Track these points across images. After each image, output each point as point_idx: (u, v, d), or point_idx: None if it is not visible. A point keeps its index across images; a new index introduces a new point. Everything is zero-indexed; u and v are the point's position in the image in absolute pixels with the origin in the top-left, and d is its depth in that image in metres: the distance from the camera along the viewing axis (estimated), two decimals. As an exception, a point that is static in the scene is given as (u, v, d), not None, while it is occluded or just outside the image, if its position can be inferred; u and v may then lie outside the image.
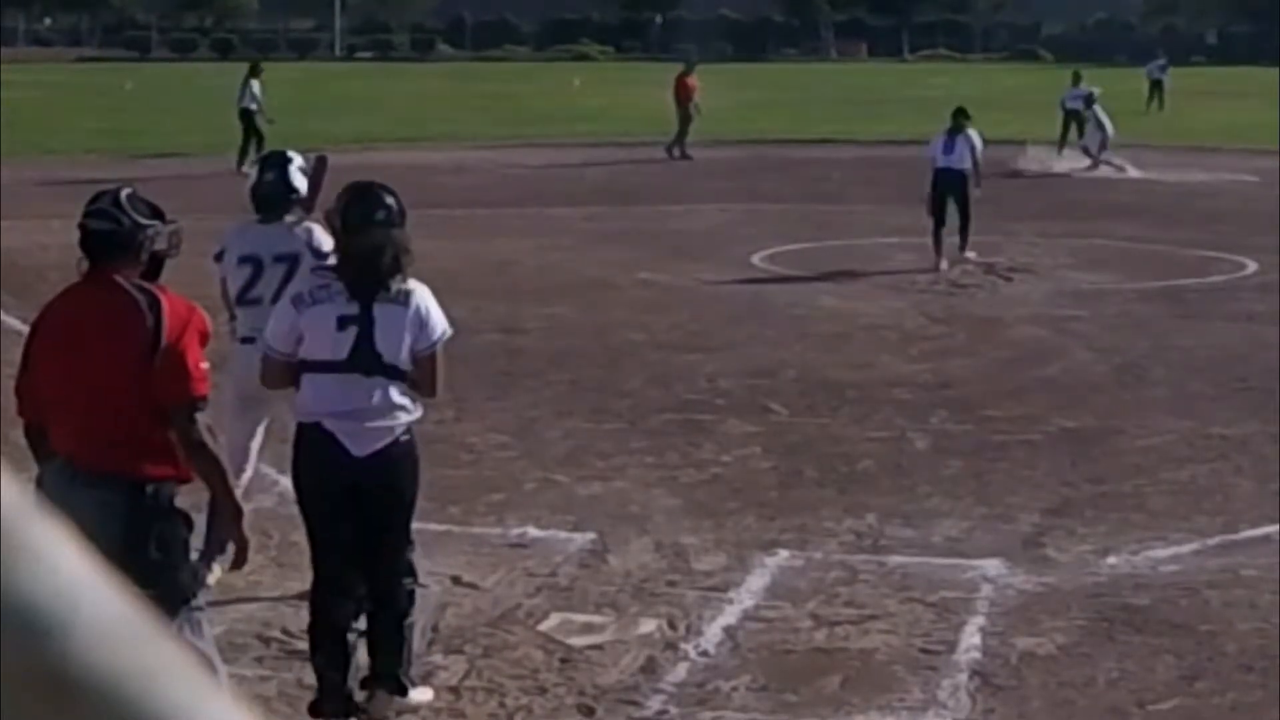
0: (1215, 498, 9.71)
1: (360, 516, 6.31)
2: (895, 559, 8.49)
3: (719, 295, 16.93)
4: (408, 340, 6.23)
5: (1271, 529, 8.98)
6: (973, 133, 19.26)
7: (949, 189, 18.93)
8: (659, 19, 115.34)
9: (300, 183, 8.15)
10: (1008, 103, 42.57)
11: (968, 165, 18.95)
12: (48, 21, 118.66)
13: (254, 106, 30.08)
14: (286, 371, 6.38)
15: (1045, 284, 17.84)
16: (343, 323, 6.21)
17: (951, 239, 18.86)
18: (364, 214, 6.31)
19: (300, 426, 6.39)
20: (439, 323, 6.32)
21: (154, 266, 5.91)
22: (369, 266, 6.24)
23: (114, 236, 5.82)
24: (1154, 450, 10.74)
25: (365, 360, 6.21)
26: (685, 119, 33.88)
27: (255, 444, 8.08)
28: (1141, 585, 8.13)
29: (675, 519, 9.18)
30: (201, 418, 5.72)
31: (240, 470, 7.59)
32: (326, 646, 6.34)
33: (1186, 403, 12.10)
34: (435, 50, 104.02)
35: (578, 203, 25.55)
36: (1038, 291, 17.34)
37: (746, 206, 24.93)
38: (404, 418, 6.30)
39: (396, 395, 6.25)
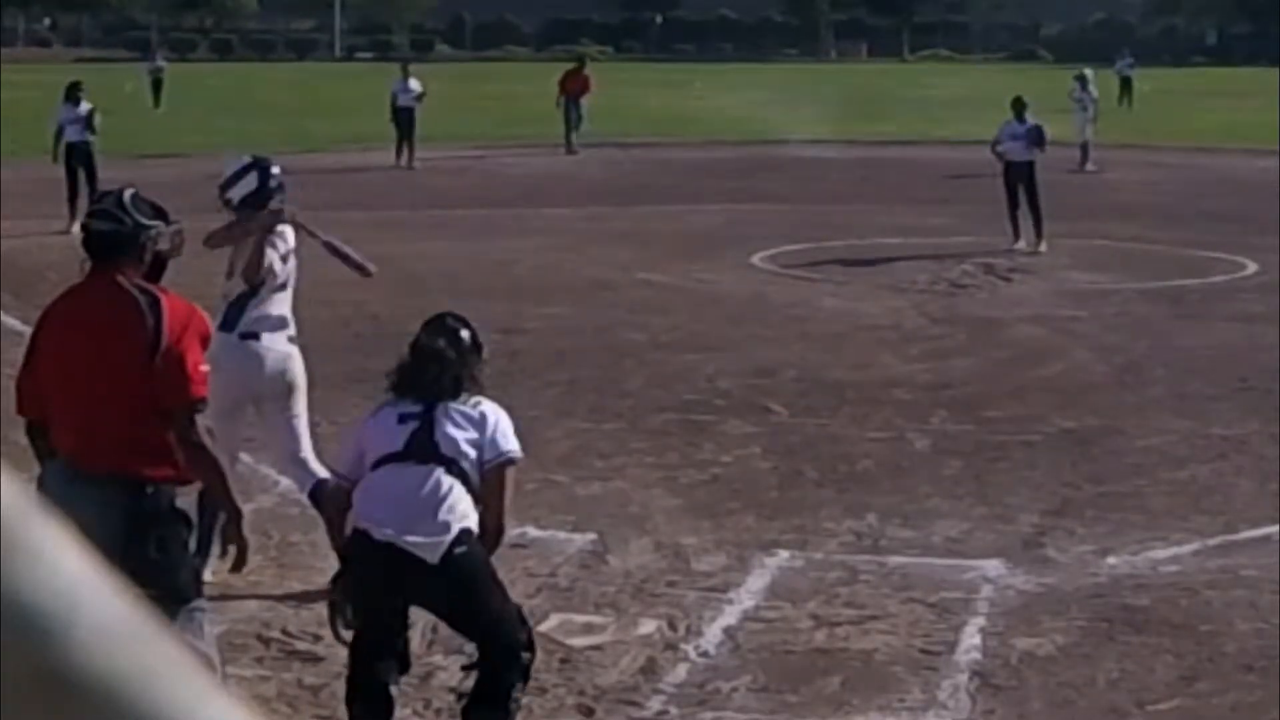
0: (1215, 498, 9.70)
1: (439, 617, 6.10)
2: (895, 559, 8.49)
3: (719, 295, 16.92)
4: (472, 437, 5.94)
5: (1271, 529, 8.97)
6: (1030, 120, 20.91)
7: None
8: (659, 19, 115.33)
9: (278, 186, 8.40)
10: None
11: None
12: (47, 21, 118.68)
13: (412, 104, 31.38)
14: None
15: (1045, 284, 17.84)
16: (403, 419, 5.99)
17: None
18: (435, 334, 6.19)
19: (354, 532, 5.97)
20: (510, 437, 6.03)
21: (157, 267, 5.92)
22: (431, 379, 6.03)
23: (116, 237, 5.83)
24: (1154, 450, 10.74)
25: (421, 449, 5.91)
26: (575, 114, 34.80)
27: (240, 448, 8.14)
28: (1141, 585, 8.12)
29: (675, 519, 9.17)
30: (200, 419, 5.72)
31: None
32: (364, 699, 5.99)
33: (1186, 403, 12.09)
34: (435, 50, 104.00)
35: (578, 203, 25.56)
36: (1038, 291, 17.34)
37: (746, 206, 24.93)
38: (461, 518, 5.85)
39: (453, 489, 5.86)
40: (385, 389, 6.22)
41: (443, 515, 5.82)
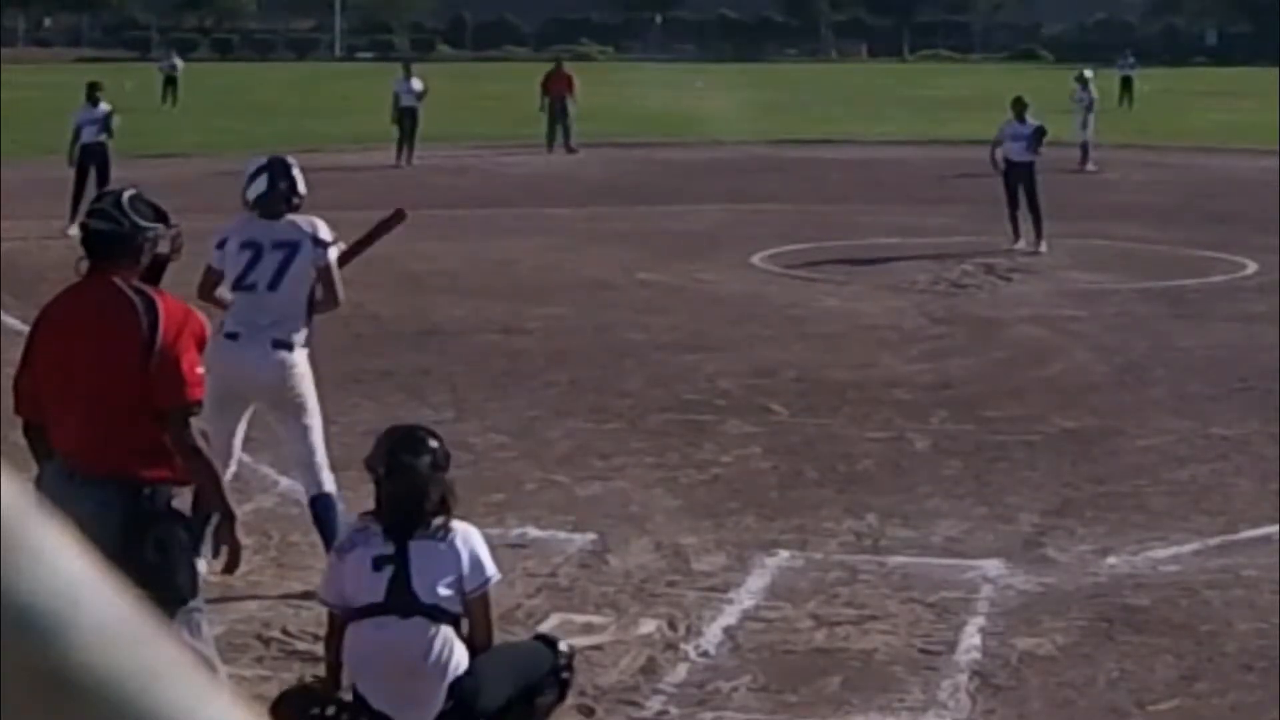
0: (1215, 498, 9.70)
1: None
2: (895, 559, 8.49)
3: (719, 295, 16.92)
4: (450, 579, 5.90)
5: (1271, 529, 8.98)
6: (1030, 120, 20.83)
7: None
8: (659, 19, 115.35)
9: (303, 188, 8.27)
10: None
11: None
12: (48, 22, 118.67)
13: (415, 104, 31.57)
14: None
15: (1045, 284, 17.84)
16: (378, 563, 5.91)
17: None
18: (407, 457, 6.02)
19: (353, 687, 5.96)
20: (487, 562, 5.98)
21: (155, 269, 5.91)
22: (412, 509, 5.96)
23: (114, 237, 5.82)
24: (1154, 450, 10.74)
25: (401, 600, 5.86)
26: (562, 114, 34.92)
27: (237, 441, 8.07)
28: (1141, 585, 8.12)
29: (675, 519, 9.17)
30: (195, 422, 5.71)
31: (225, 470, 7.56)
32: None
33: (1186, 403, 12.09)
34: (435, 50, 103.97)
35: (578, 203, 25.56)
36: (1038, 291, 17.34)
37: (746, 206, 24.93)
38: (451, 672, 5.87)
39: (436, 638, 5.86)
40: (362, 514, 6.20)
41: (431, 678, 5.85)
